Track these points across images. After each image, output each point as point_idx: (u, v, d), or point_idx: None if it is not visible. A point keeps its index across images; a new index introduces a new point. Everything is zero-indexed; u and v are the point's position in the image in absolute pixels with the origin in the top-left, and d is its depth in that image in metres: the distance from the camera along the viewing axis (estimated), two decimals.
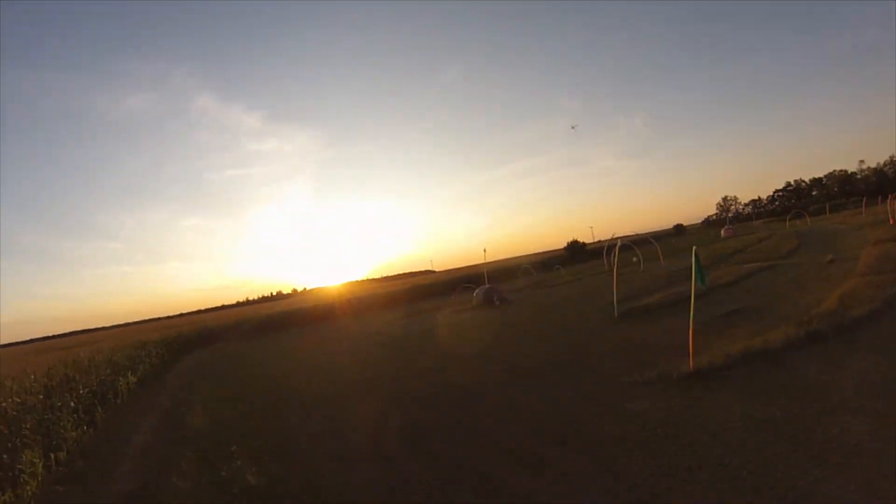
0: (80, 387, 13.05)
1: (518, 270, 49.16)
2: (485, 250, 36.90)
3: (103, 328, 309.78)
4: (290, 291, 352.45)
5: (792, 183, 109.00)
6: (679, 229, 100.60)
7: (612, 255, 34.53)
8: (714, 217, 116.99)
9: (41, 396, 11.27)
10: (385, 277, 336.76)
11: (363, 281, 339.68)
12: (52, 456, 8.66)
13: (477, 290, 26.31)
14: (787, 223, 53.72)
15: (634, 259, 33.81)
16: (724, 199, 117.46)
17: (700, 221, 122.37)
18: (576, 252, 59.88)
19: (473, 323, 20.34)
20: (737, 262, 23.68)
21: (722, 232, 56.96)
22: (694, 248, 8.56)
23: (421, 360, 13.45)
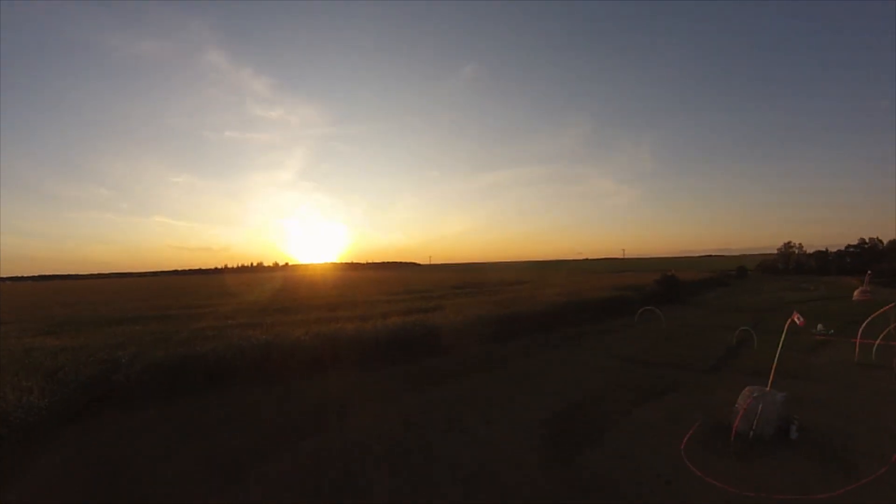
0: None
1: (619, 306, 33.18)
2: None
3: (77, 276, 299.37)
4: (270, 264, 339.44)
5: (867, 241, 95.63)
6: (742, 272, 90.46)
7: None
8: (773, 262, 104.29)
9: None
10: (370, 263, 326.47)
11: (348, 264, 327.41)
12: None
13: (752, 395, 10.35)
14: None
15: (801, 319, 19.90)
16: (787, 244, 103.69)
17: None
18: (671, 288, 44.00)
19: None
20: None
21: (855, 294, 42.21)
22: None
23: None
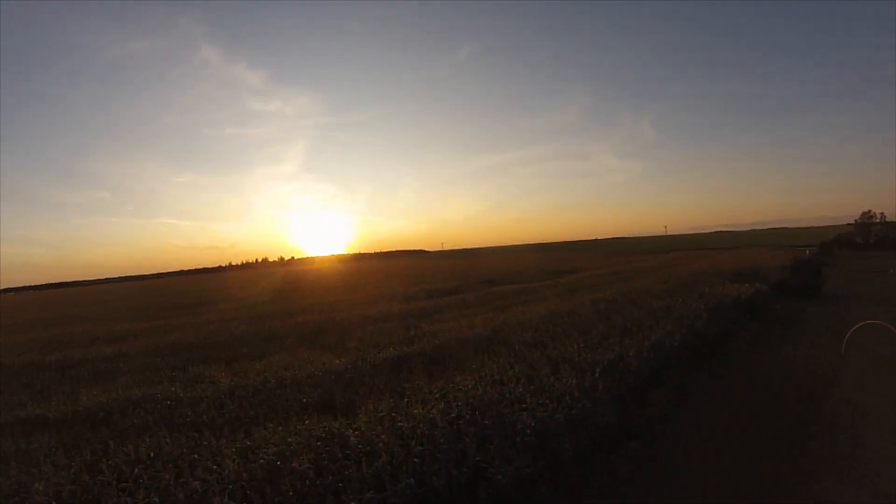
0: None
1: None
2: None
3: (83, 282, 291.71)
4: (275, 259, 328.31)
5: None
6: (827, 248, 76.27)
7: None
8: (850, 234, 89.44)
9: None
10: (377, 252, 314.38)
11: (354, 254, 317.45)
12: None
13: None
14: None
15: None
16: (867, 213, 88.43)
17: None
18: (809, 276, 30.90)
19: None
20: None
21: None
22: None
23: None
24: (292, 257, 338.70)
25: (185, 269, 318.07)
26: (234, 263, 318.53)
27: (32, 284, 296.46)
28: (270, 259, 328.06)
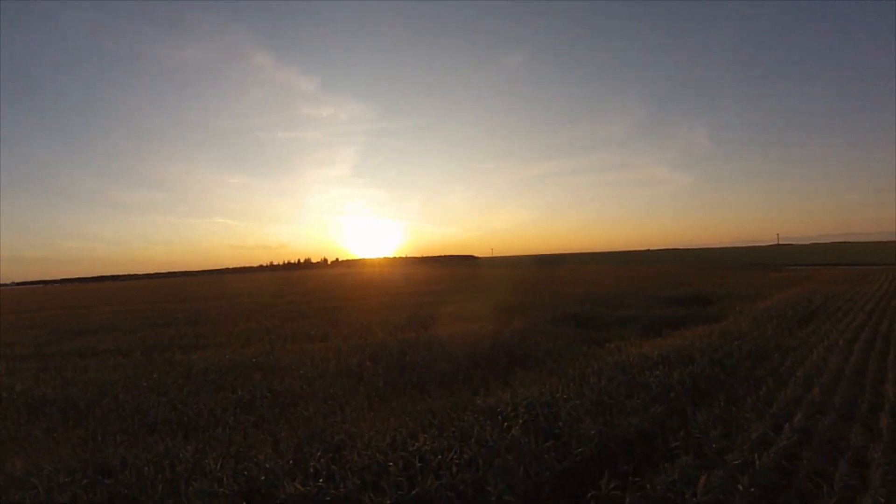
0: None
1: None
2: None
3: (135, 276, 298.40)
4: (319, 260, 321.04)
5: None
6: None
7: None
8: None
9: None
10: (424, 257, 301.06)
11: (401, 258, 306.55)
12: None
13: None
14: None
15: None
16: None
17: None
18: None
19: None
20: None
21: None
22: None
23: None
24: (336, 259, 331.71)
25: (228, 267, 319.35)
26: (274, 263, 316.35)
27: (89, 276, 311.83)
28: (314, 260, 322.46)
